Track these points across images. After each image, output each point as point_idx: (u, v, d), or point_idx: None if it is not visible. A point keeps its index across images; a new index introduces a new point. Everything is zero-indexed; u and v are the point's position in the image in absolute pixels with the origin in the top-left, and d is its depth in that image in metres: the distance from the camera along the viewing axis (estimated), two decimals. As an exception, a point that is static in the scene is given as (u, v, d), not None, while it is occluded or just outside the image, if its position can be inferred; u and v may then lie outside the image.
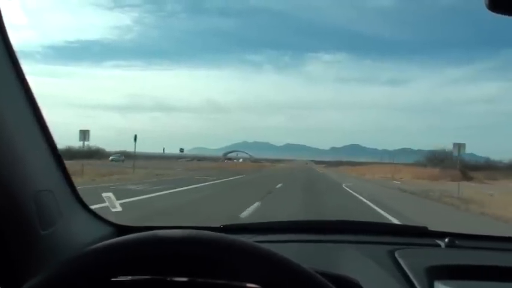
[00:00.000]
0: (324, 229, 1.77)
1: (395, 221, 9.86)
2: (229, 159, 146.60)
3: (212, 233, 0.68)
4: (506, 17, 0.87)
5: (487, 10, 0.85)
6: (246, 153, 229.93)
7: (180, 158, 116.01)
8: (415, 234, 1.75)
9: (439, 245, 1.54)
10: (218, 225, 1.68)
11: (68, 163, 1.18)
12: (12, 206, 0.90)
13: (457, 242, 1.54)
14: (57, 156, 1.10)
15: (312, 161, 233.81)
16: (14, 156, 0.92)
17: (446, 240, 1.54)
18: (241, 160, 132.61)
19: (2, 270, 0.90)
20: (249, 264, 0.64)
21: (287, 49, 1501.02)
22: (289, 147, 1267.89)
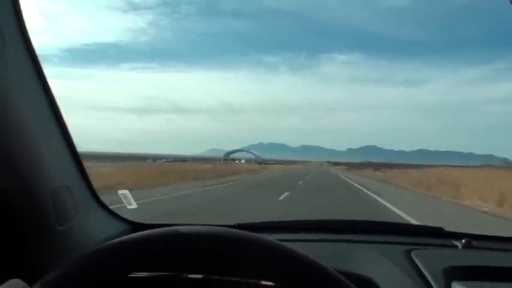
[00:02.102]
0: (340, 229, 1.77)
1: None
2: (232, 159, 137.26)
3: (227, 229, 0.67)
4: None
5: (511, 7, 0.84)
6: (252, 153, 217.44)
7: (157, 158, 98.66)
8: (432, 235, 1.74)
9: (456, 246, 1.53)
10: (232, 224, 1.67)
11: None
12: (30, 202, 0.92)
13: (474, 243, 1.53)
14: (75, 154, 1.13)
15: (328, 162, 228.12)
16: (33, 153, 0.94)
17: (463, 241, 1.52)
18: (243, 161, 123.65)
19: (20, 264, 0.92)
20: (266, 261, 0.63)
21: (302, 50, 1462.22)
22: (305, 148, 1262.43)
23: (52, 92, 1.01)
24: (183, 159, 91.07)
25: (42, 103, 0.99)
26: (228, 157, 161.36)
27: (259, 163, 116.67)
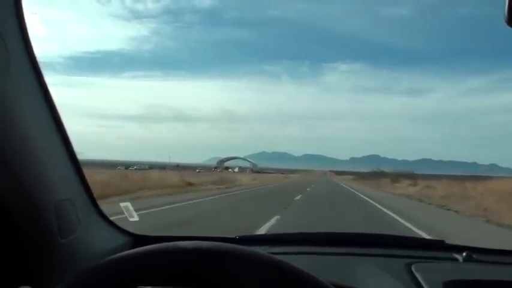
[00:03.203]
0: (340, 241, 1.75)
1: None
2: (226, 168, 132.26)
3: (227, 244, 0.68)
4: None
5: (506, 25, 0.86)
6: (248, 161, 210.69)
7: (129, 166, 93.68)
8: (433, 248, 1.73)
9: (457, 259, 1.51)
10: (234, 236, 1.70)
11: None
12: (33, 214, 0.92)
13: (475, 256, 1.50)
14: (77, 166, 1.12)
15: (331, 171, 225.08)
16: (35, 165, 0.94)
17: (464, 254, 1.50)
18: (236, 169, 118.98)
19: (24, 276, 0.92)
20: (265, 276, 0.64)
21: (304, 59, 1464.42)
22: (307, 157, 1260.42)
23: (54, 102, 1.01)
24: (162, 167, 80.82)
25: (44, 114, 1.00)
26: (221, 165, 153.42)
27: (256, 172, 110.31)
